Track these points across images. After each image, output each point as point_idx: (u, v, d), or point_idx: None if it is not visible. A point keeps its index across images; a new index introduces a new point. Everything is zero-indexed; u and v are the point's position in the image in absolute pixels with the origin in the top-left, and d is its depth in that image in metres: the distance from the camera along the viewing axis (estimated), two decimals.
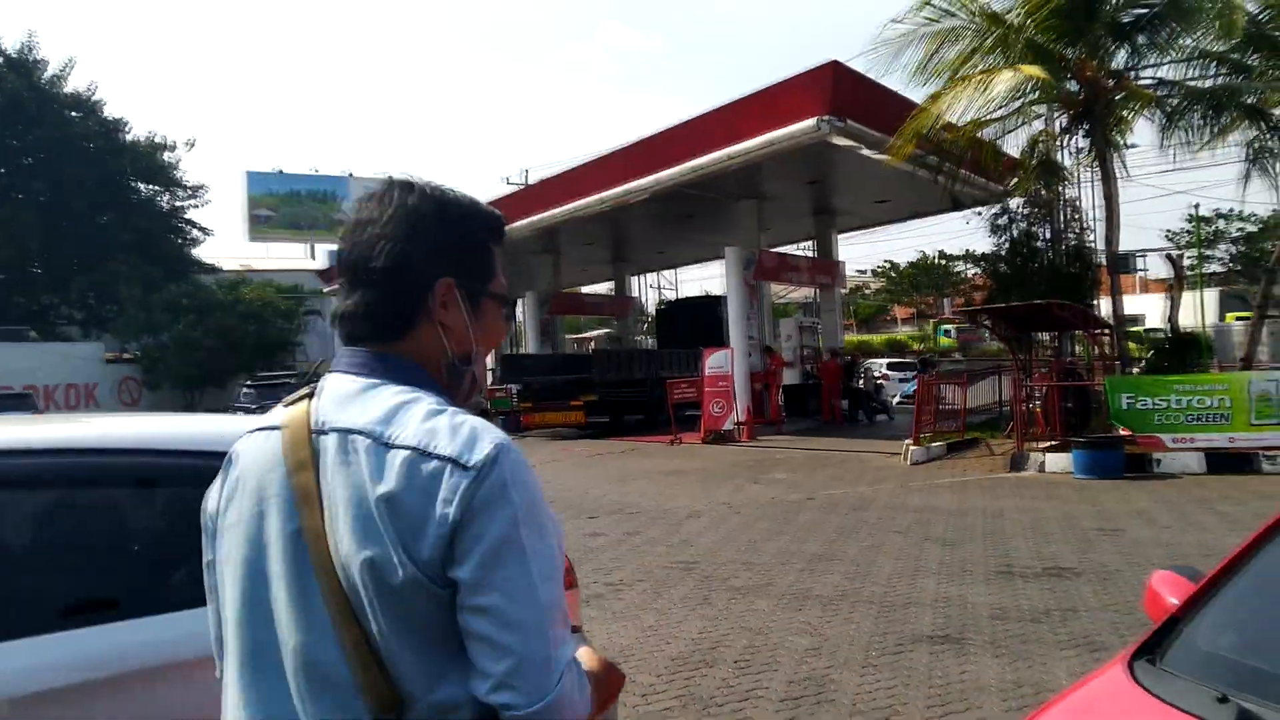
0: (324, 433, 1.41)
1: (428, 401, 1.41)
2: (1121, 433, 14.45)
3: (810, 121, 17.88)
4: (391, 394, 1.42)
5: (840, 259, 28.41)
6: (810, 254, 28.85)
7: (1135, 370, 17.35)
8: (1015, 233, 20.37)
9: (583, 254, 33.12)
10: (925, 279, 61.47)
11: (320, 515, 1.36)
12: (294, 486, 1.39)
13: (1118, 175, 16.89)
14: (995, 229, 20.58)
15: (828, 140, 18.16)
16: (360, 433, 1.37)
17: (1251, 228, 46.09)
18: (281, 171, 59.89)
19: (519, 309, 34.10)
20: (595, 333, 58.36)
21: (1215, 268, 50.71)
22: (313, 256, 58.05)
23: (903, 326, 70.06)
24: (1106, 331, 17.76)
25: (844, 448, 18.99)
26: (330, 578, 1.34)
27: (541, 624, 1.30)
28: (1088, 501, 11.71)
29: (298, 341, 39.14)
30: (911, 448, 16.52)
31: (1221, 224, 48.69)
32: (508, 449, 1.35)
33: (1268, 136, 16.83)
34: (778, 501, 12.60)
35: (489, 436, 1.35)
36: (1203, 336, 22.30)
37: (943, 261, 60.12)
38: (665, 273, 48.58)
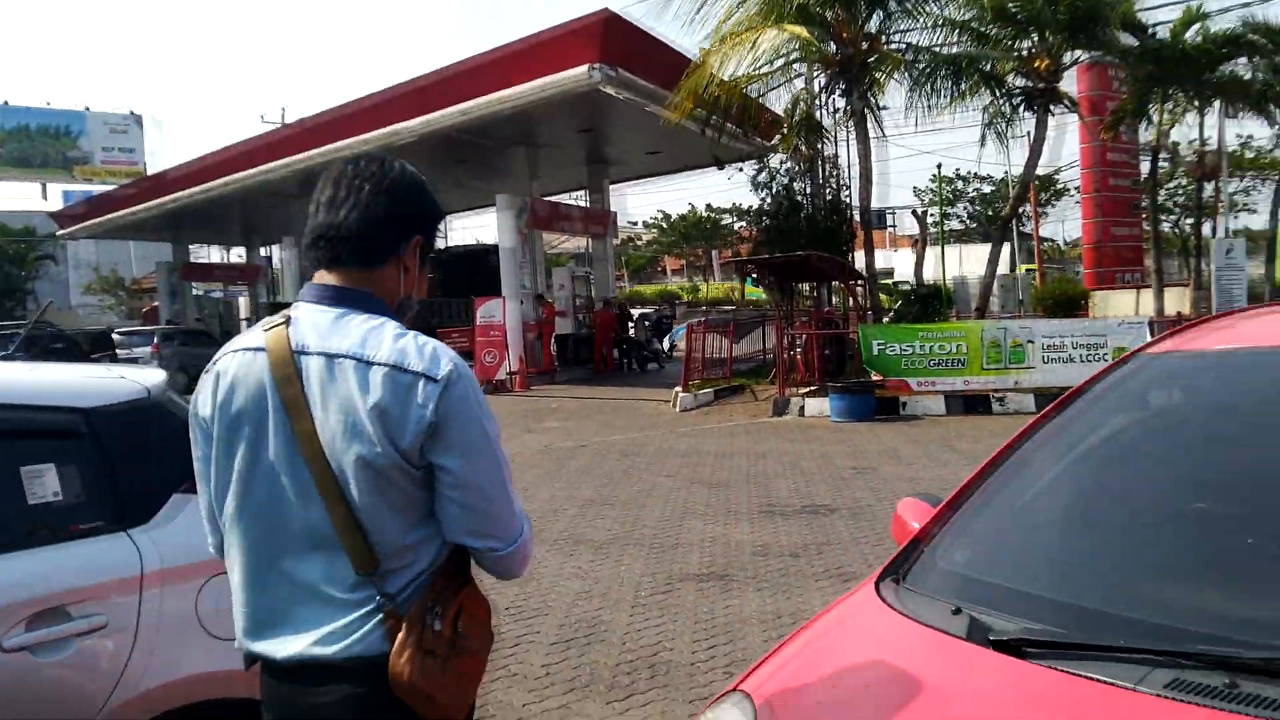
0: (306, 354, 1.79)
1: (391, 326, 1.82)
2: (873, 378, 15.35)
3: (582, 69, 17.82)
4: (361, 321, 1.82)
5: (613, 209, 28.65)
6: (583, 203, 28.93)
7: (886, 319, 18.45)
8: (778, 188, 21.18)
9: None
10: (695, 231, 63.10)
11: (310, 420, 1.76)
12: (283, 398, 1.78)
13: (873, 135, 17.81)
14: (759, 184, 21.30)
15: (600, 89, 18.16)
16: (344, 356, 1.77)
17: (987, 189, 49.94)
18: (7, 104, 54.21)
19: (276, 257, 32.49)
20: None
21: (956, 225, 54.72)
22: (45, 197, 53.05)
23: (673, 277, 71.75)
24: (861, 282, 18.76)
25: (616, 396, 19.29)
26: (321, 467, 1.75)
27: (507, 491, 1.82)
28: (843, 443, 12.39)
29: (29, 289, 35.74)
30: (681, 395, 16.96)
31: (960, 184, 52.51)
32: (461, 365, 1.80)
33: (1002, 103, 18.13)
34: (551, 449, 12.64)
35: (447, 355, 1.79)
36: (945, 289, 23.98)
37: (711, 215, 61.89)
38: None
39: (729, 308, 41.75)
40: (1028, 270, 29.84)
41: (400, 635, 1.76)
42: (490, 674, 4.85)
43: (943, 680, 1.80)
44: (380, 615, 1.77)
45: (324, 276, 1.89)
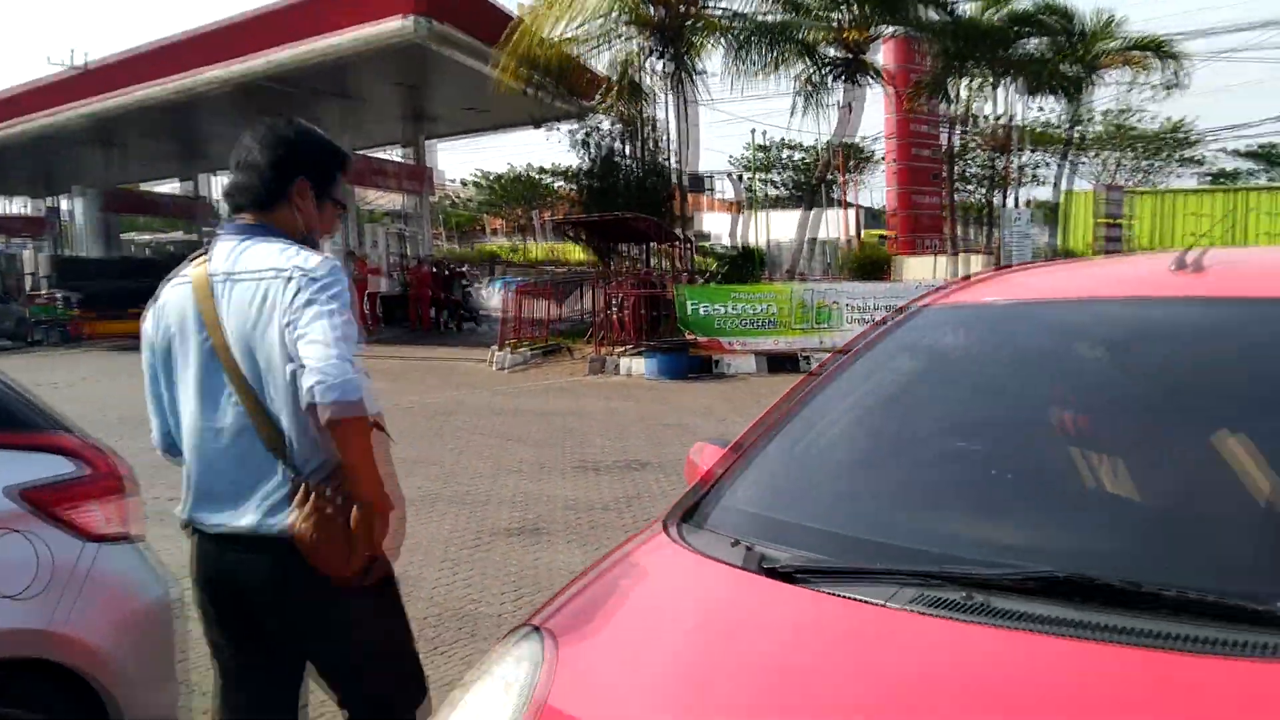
0: (216, 278, 2.28)
1: (281, 242, 2.30)
2: (689, 337, 15.69)
3: (401, 20, 17.33)
4: (257, 243, 2.30)
5: (433, 166, 28.06)
6: (401, 160, 28.20)
7: (702, 281, 18.86)
8: (600, 148, 21.26)
9: (150, 148, 29.93)
10: (516, 191, 62.47)
11: (221, 333, 2.24)
12: (201, 315, 2.26)
13: (694, 99, 18.09)
14: (582, 144, 21.32)
15: (419, 42, 17.69)
16: (242, 273, 2.26)
17: (799, 156, 51.48)
18: None
19: (67, 206, 30.27)
20: (170, 236, 53.40)
21: (773, 191, 56.23)
22: None
23: (495, 238, 70.95)
24: (678, 244, 19.09)
25: (434, 356, 19.01)
26: (233, 367, 2.23)
27: (339, 346, 2.12)
28: (658, 400, 12.64)
29: None
30: (499, 354, 16.88)
31: (777, 151, 53.94)
32: (333, 262, 2.27)
33: (814, 72, 18.73)
34: None
35: (322, 258, 2.26)
36: (759, 252, 24.68)
37: (533, 175, 61.41)
38: None
39: (553, 268, 41.71)
40: (880, 239, 30.91)
41: (299, 499, 2.17)
42: None
43: (719, 604, 1.90)
44: (287, 490, 2.20)
45: (236, 219, 2.39)
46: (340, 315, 2.16)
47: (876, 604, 1.70)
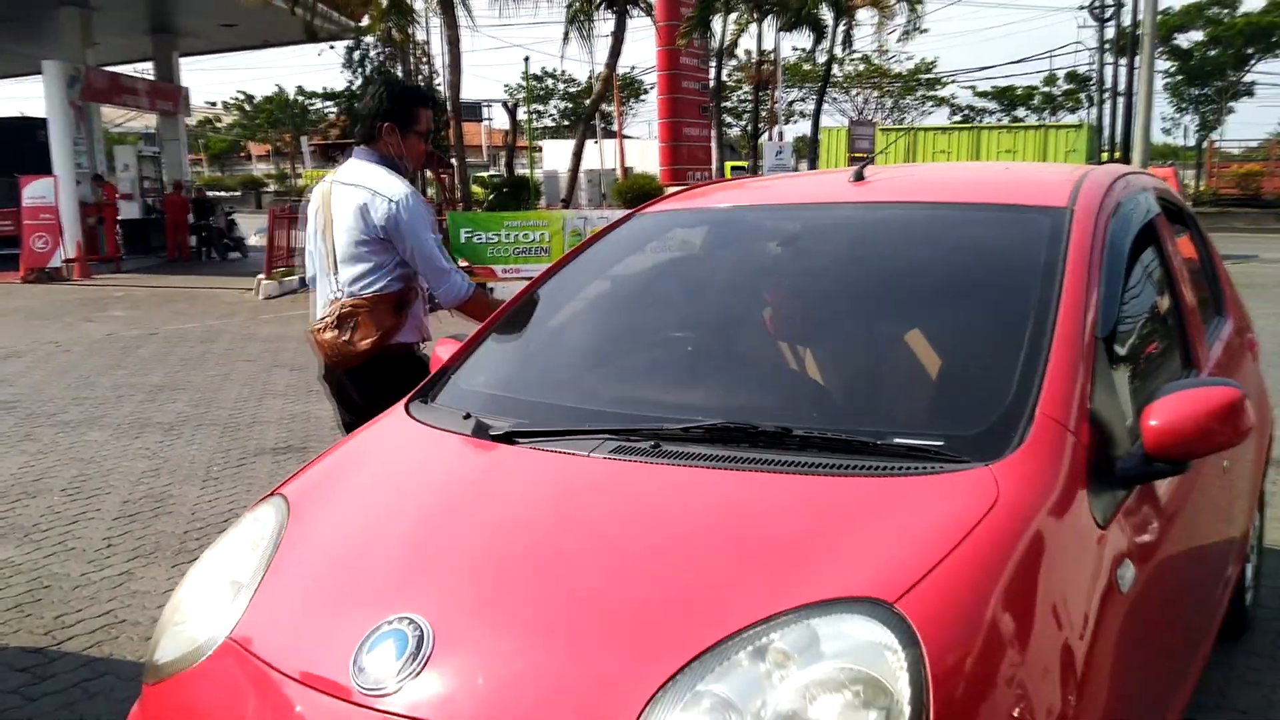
0: (337, 182, 3.48)
1: (376, 167, 3.45)
2: (461, 264, 15.70)
3: None
4: (361, 164, 3.47)
5: (185, 85, 26.34)
6: (151, 77, 26.28)
7: (477, 209, 18.80)
8: (370, 71, 20.65)
9: None
10: (283, 115, 59.44)
11: (331, 216, 3.45)
12: (324, 204, 3.49)
13: (461, 23, 17.83)
14: (350, 64, 20.67)
15: None
16: (352, 184, 3.42)
17: (575, 88, 51.48)
18: None
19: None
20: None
21: (548, 121, 56.10)
22: None
23: (258, 164, 67.39)
24: (449, 170, 18.92)
25: (193, 285, 18.14)
26: (332, 237, 3.45)
27: (436, 261, 3.43)
28: (434, 324, 12.64)
29: None
30: (264, 282, 16.33)
31: (551, 82, 53.71)
32: (411, 191, 3.40)
33: (582, 2, 18.83)
34: (115, 337, 11.77)
35: (403, 185, 3.40)
36: (533, 181, 24.76)
37: (300, 98, 58.57)
38: None
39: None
40: (735, 169, 31.23)
41: (330, 310, 3.43)
42: (44, 549, 4.69)
43: (448, 464, 2.17)
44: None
45: (359, 146, 3.53)
46: (429, 232, 3.40)
47: (583, 454, 2.01)
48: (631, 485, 1.93)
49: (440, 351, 2.84)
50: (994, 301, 2.30)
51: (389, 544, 1.91)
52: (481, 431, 2.18)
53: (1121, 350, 2.28)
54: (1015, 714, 1.51)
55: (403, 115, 3.45)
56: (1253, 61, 40.82)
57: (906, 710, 1.38)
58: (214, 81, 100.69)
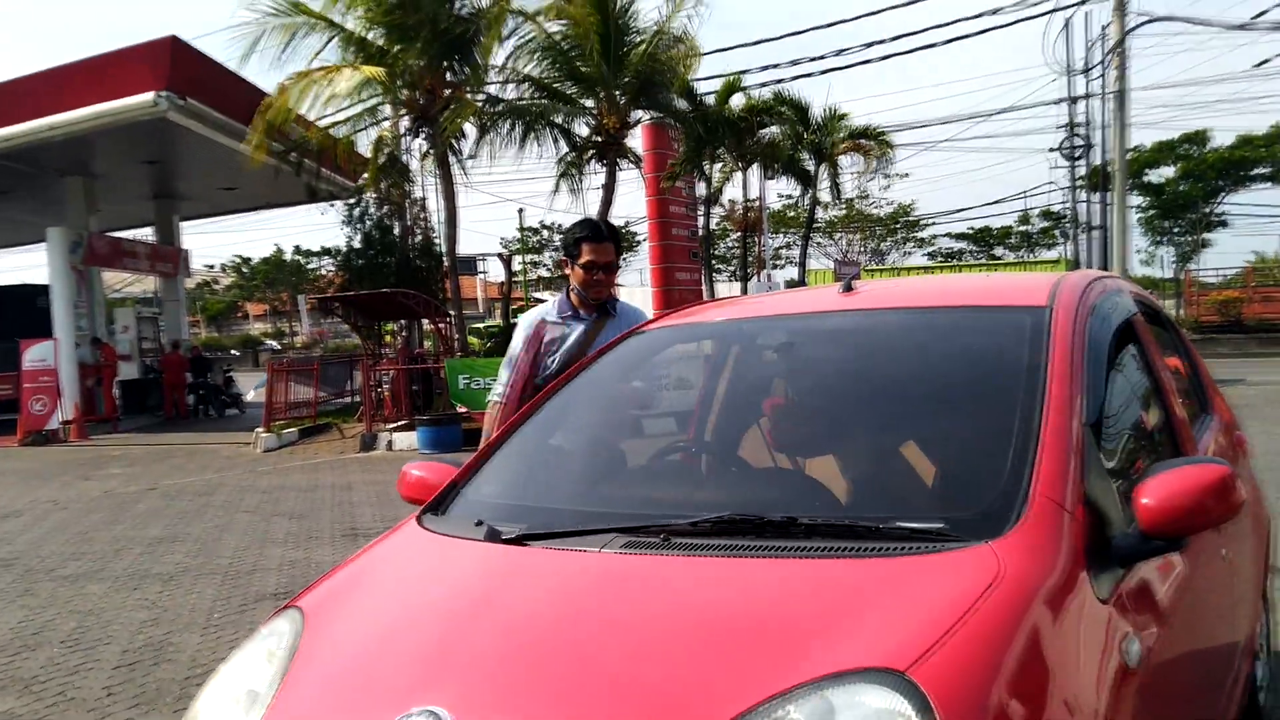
0: None
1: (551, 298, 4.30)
2: (460, 410, 15.82)
3: (147, 96, 16.84)
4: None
5: (185, 247, 26.99)
6: (151, 240, 26.93)
7: (474, 358, 19.04)
8: (368, 227, 21.25)
9: None
10: (279, 274, 60.65)
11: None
12: None
13: (457, 180, 18.44)
14: (350, 221, 21.25)
15: (167, 117, 17.24)
16: None
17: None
18: None
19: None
20: None
21: (544, 272, 57.23)
22: None
23: (255, 323, 68.31)
24: (447, 319, 19.24)
25: (191, 441, 18.19)
26: None
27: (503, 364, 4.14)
28: None
29: None
30: (263, 435, 16.41)
31: (546, 233, 55.08)
32: (531, 313, 4.16)
33: (573, 155, 19.54)
34: (113, 494, 11.75)
35: (534, 310, 4.20)
36: None
37: (298, 257, 59.87)
38: None
39: (320, 352, 40.62)
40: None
41: None
42: (45, 700, 4.62)
43: (462, 567, 2.21)
44: None
45: None
46: (514, 346, 4.01)
47: (594, 550, 2.06)
48: (643, 576, 1.97)
49: (412, 472, 2.86)
50: (984, 394, 2.38)
51: (406, 645, 1.93)
52: (494, 536, 2.23)
53: (1110, 438, 2.36)
54: None
55: (570, 251, 4.00)
56: (1224, 194, 42.19)
57: None
58: (211, 244, 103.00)
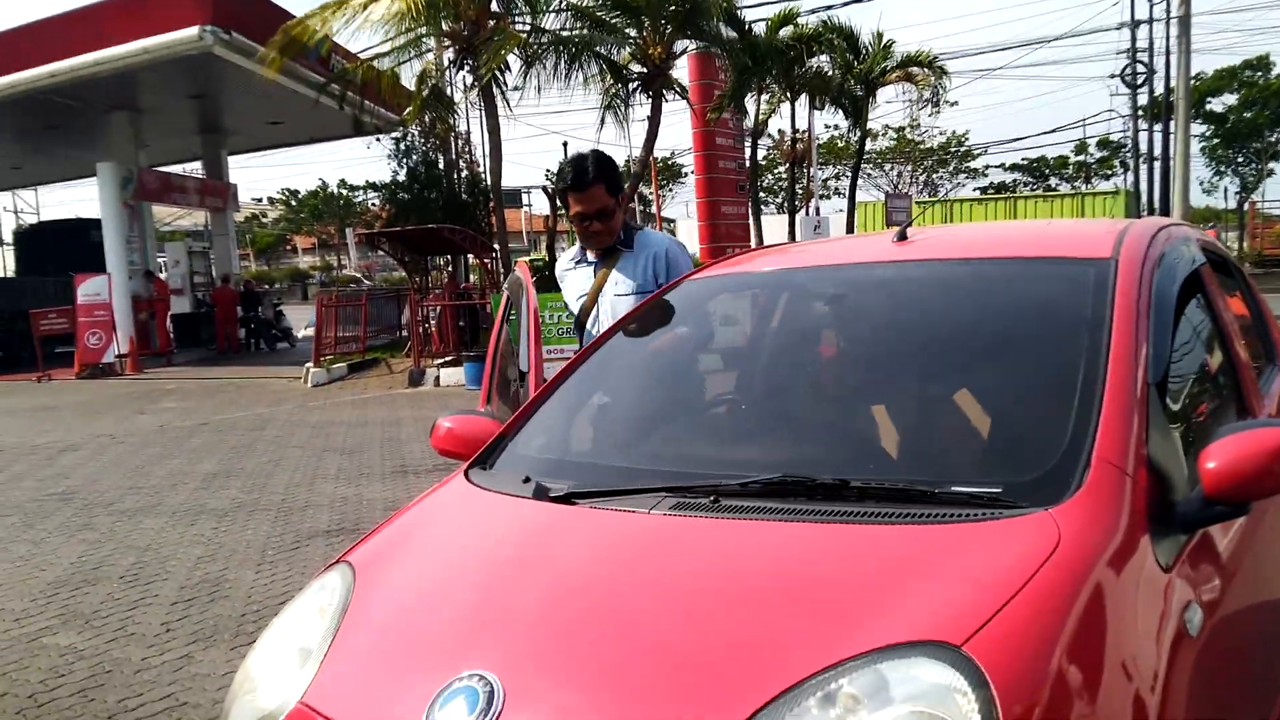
0: None
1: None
2: None
3: (192, 30, 16.83)
4: None
5: (233, 181, 27.17)
6: (200, 175, 27.15)
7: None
8: (414, 161, 21.20)
9: None
10: (326, 208, 60.96)
11: None
12: None
13: (502, 113, 18.29)
14: (396, 155, 21.22)
15: (213, 52, 17.23)
16: None
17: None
18: None
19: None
20: None
21: None
22: None
23: (304, 257, 68.92)
24: (493, 254, 19.25)
25: (242, 375, 18.49)
26: None
27: None
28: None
29: None
30: (312, 370, 16.62)
31: None
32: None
33: (619, 86, 19.26)
34: (168, 428, 12.00)
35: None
36: None
37: (344, 191, 60.10)
38: (23, 192, 42.70)
39: (366, 282, 40.95)
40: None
41: None
42: (105, 635, 4.75)
43: (510, 526, 2.20)
44: None
45: None
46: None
47: (643, 511, 2.04)
48: (692, 539, 1.95)
49: (443, 425, 2.82)
50: (1044, 351, 2.31)
51: (455, 604, 1.93)
52: (541, 494, 2.22)
53: (1175, 397, 2.28)
54: None
55: (560, 202, 3.88)
56: None
57: None
58: (259, 177, 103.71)
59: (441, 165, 21.36)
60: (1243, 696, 2.27)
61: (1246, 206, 39.53)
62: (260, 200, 66.71)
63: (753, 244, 27.56)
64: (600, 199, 3.49)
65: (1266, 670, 2.47)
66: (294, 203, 62.78)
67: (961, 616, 1.55)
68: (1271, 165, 42.89)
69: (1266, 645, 2.46)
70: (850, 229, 28.33)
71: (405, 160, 21.21)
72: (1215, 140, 42.38)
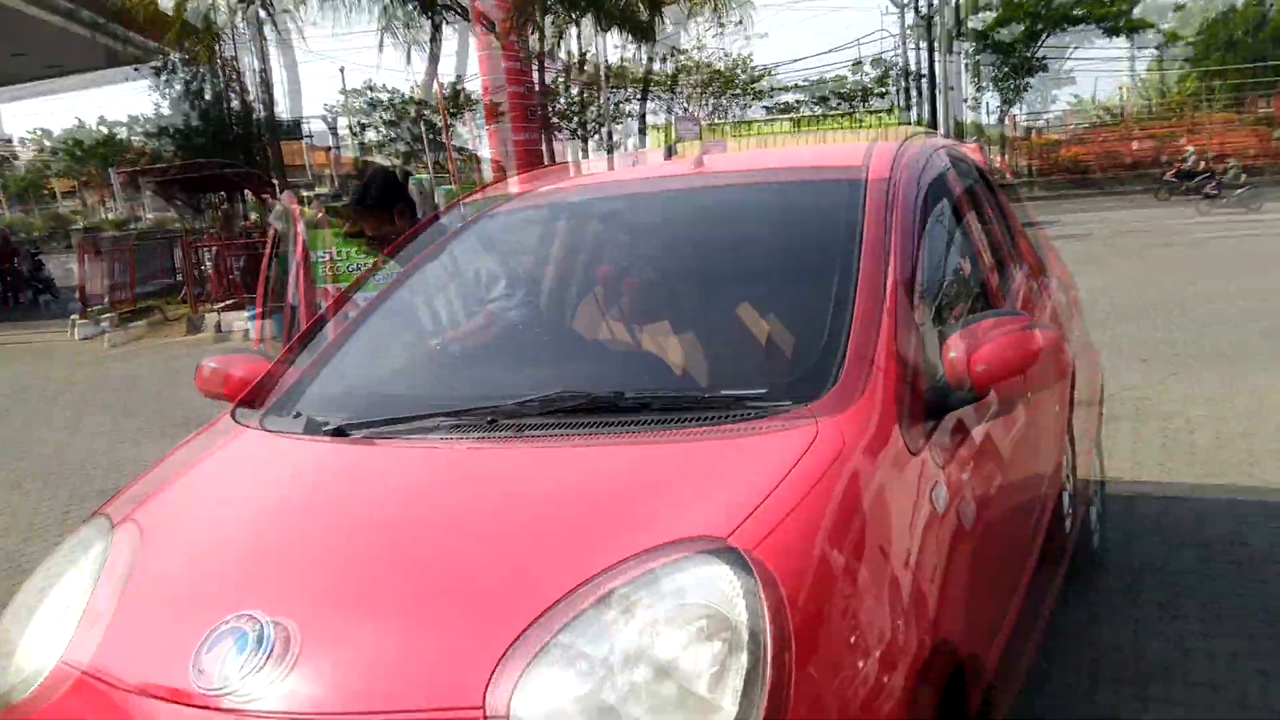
0: None
1: None
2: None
3: None
4: None
5: None
6: None
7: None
8: (180, 94, 19.86)
9: None
10: (87, 148, 56.28)
11: None
12: None
13: (273, 38, 17.33)
14: (160, 88, 19.81)
15: None
16: None
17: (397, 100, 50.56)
18: None
19: None
20: None
21: (373, 135, 54.91)
22: None
23: (65, 202, 63.63)
24: (274, 191, 18.34)
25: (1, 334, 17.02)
26: None
27: None
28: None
29: None
30: (79, 323, 15.46)
31: (374, 94, 52.62)
32: None
33: (396, 8, 18.54)
34: None
35: None
36: None
37: (104, 128, 55.63)
38: None
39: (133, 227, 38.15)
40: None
41: None
42: None
43: (279, 464, 2.14)
44: None
45: None
46: None
47: (418, 439, 2.02)
48: (470, 463, 1.95)
49: (209, 365, 2.70)
50: (804, 261, 2.41)
51: (221, 548, 1.87)
52: (313, 428, 2.16)
53: (924, 295, 2.43)
54: (850, 640, 1.60)
55: None
56: (1043, 36, 43.49)
57: (745, 637, 1.45)
58: (16, 115, 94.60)
59: (211, 97, 20.10)
60: (996, 567, 2.49)
61: (1007, 120, 42.16)
62: (10, 141, 60.99)
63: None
64: (383, 221, 3.46)
65: (1016, 542, 2.71)
66: (48, 143, 57.65)
67: (728, 513, 1.62)
68: (1029, 80, 45.84)
69: (1015, 519, 2.69)
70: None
71: (170, 93, 19.84)
72: (978, 58, 44.85)
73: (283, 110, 17.81)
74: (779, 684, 1.42)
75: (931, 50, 26.32)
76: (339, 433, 2.11)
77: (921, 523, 1.89)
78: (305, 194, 29.71)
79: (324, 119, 29.14)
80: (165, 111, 19.98)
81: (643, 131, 29.61)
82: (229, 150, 18.43)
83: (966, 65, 43.97)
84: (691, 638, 1.47)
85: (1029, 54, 43.82)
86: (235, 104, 20.34)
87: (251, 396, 2.46)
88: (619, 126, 43.45)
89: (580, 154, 28.42)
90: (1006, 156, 35.74)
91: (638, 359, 2.38)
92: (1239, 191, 20.68)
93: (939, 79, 24.14)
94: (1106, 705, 2.96)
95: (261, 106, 18.67)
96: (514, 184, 3.27)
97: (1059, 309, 3.71)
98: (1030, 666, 2.56)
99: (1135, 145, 34.22)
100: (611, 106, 36.06)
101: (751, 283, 2.47)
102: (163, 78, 19.81)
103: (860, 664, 1.58)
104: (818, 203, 2.54)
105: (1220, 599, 3.54)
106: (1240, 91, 38.12)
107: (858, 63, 52.74)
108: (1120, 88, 45.35)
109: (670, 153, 2.83)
